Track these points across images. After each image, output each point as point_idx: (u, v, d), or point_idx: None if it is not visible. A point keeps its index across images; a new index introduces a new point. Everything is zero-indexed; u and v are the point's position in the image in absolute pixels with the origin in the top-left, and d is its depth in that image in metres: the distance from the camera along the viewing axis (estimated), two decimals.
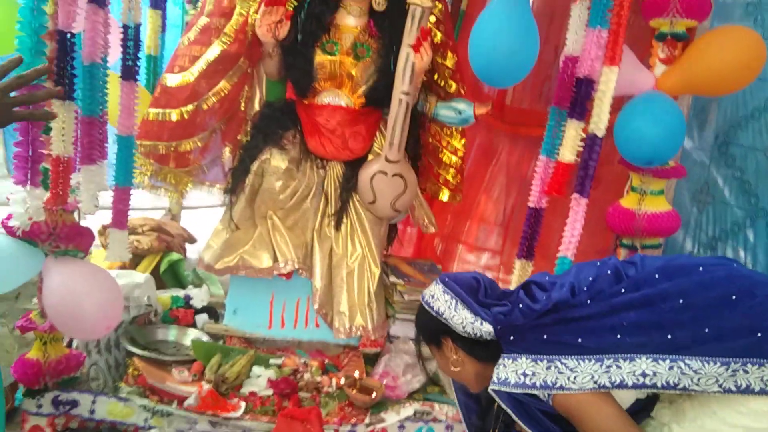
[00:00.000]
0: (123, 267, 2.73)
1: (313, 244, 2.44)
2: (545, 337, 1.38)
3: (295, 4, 2.33)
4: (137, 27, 1.96)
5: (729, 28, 2.09)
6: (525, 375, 1.37)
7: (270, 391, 2.09)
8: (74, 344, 2.12)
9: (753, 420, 1.26)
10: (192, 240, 3.44)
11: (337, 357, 2.40)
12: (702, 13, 1.99)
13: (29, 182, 1.78)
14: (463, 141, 2.57)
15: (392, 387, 2.19)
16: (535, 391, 1.37)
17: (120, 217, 2.00)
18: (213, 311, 2.56)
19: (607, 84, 1.93)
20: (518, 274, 2.13)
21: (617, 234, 2.18)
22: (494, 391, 1.43)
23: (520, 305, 1.45)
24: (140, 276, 2.45)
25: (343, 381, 2.17)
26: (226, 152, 2.52)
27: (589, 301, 1.38)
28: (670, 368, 1.27)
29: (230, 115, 2.46)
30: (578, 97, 1.99)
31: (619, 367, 1.29)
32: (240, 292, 2.46)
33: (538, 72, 2.33)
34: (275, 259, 2.38)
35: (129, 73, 1.95)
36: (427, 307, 1.60)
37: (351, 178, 2.44)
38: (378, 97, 2.43)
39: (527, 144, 2.91)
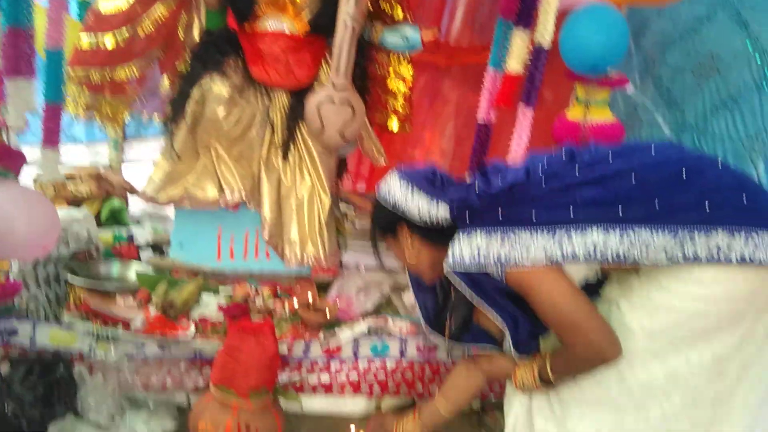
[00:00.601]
0: None
1: (260, 175, 2.38)
2: (500, 213, 1.39)
3: None
4: None
5: None
6: (479, 250, 1.37)
7: (221, 316, 2.04)
8: (11, 277, 2.02)
9: (699, 287, 1.30)
10: (134, 191, 3.32)
11: (289, 286, 2.36)
12: None
13: None
14: (410, 69, 2.55)
15: (346, 309, 2.18)
16: (489, 268, 1.37)
17: (51, 136, 1.90)
18: (158, 247, 2.48)
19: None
20: None
21: None
22: (450, 273, 1.43)
23: (477, 187, 1.45)
24: (78, 211, 2.35)
25: (296, 304, 2.14)
26: (165, 82, 2.42)
27: (543, 182, 1.39)
28: (620, 237, 1.28)
29: (168, 43, 2.36)
30: (524, 7, 2.00)
31: (570, 237, 1.30)
32: (185, 225, 2.39)
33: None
34: (221, 190, 2.31)
35: None
36: (383, 197, 1.58)
37: (297, 106, 2.39)
38: (323, 24, 2.38)
39: (468, 76, 2.91)
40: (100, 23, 2.21)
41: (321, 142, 2.41)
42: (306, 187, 2.40)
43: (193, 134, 2.34)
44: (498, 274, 1.39)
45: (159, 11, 2.26)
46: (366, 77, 2.55)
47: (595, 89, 2.07)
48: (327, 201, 2.40)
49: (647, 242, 1.27)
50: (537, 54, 1.99)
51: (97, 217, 2.86)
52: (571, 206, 1.33)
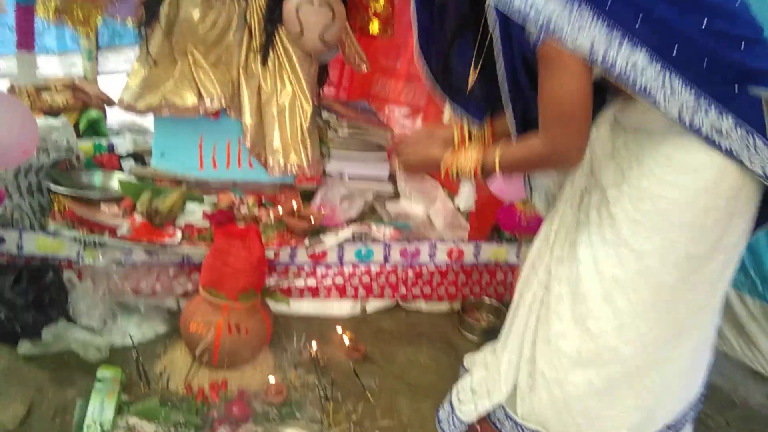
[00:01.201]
0: None
1: (239, 81, 2.34)
2: None
3: None
4: None
5: None
6: (535, 2, 1.19)
7: (206, 223, 2.06)
8: None
9: (686, 176, 1.26)
10: (111, 102, 3.24)
11: (273, 195, 2.38)
12: None
13: None
14: None
15: (330, 216, 2.21)
16: (530, 26, 1.20)
17: (25, 38, 1.84)
18: (139, 157, 2.46)
19: None
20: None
21: None
22: (490, 8, 1.23)
23: None
24: (57, 120, 2.30)
25: (281, 212, 2.17)
26: None
27: None
28: (658, 74, 1.20)
29: None
30: None
31: (620, 45, 1.19)
32: (166, 134, 2.36)
33: None
34: (200, 97, 2.27)
35: None
36: None
37: (275, 8, 2.31)
38: None
39: None
40: None
41: (301, 46, 2.35)
42: (287, 95, 2.37)
43: (168, 39, 2.26)
44: (533, 37, 1.23)
45: None
46: None
47: None
48: (309, 108, 2.37)
49: (675, 91, 1.21)
50: None
51: (76, 128, 2.82)
52: (641, 15, 1.19)
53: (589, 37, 1.18)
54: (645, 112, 1.29)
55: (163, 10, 2.21)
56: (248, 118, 2.32)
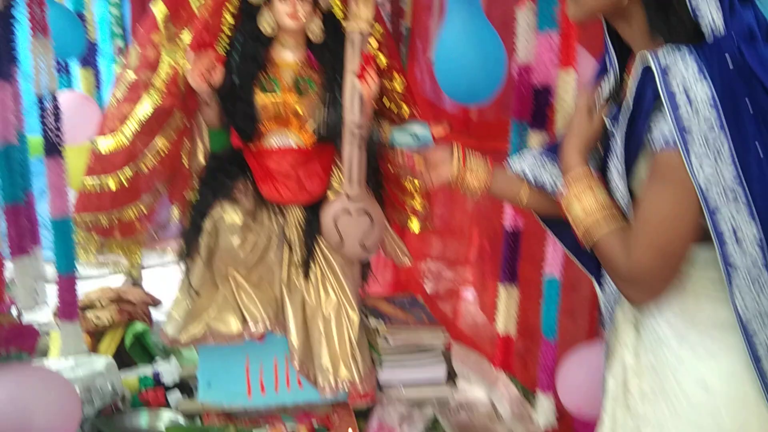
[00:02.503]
0: None
1: (283, 298, 2.27)
2: (750, 113, 0.99)
3: (226, 47, 2.17)
4: (54, 95, 1.77)
5: None
6: (687, 100, 0.98)
7: None
8: None
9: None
10: (156, 302, 3.23)
11: (326, 417, 2.23)
12: None
13: None
14: None
15: None
16: (668, 112, 0.99)
17: (69, 308, 1.80)
18: (186, 386, 2.36)
19: (566, 89, 1.82)
20: (504, 301, 1.99)
21: None
22: (644, 60, 1.04)
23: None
24: (101, 361, 2.23)
25: None
26: (175, 211, 2.33)
27: None
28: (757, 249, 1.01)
29: (173, 173, 2.27)
30: (538, 108, 1.87)
31: (737, 211, 0.99)
32: (211, 362, 2.27)
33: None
34: (245, 322, 2.20)
35: (53, 149, 1.77)
36: None
37: (313, 221, 2.28)
38: (329, 132, 2.29)
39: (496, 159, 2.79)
40: (103, 165, 2.13)
41: (342, 255, 2.29)
42: (332, 305, 2.28)
43: (209, 267, 2.23)
44: (657, 138, 1.04)
45: (160, 144, 2.18)
46: (379, 175, 2.44)
47: None
48: (355, 318, 2.27)
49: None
50: None
51: (121, 344, 2.78)
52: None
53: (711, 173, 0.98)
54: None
55: (203, 240, 2.19)
56: (294, 338, 2.22)
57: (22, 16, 1.65)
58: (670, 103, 0.99)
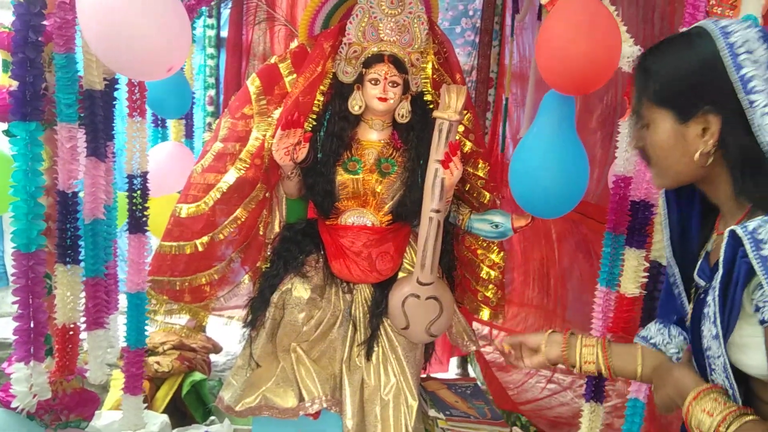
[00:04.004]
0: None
1: (342, 376, 2.22)
2: None
3: (314, 123, 2.17)
4: (144, 175, 1.80)
5: None
6: None
7: None
8: None
9: None
10: (218, 349, 3.27)
11: None
12: None
13: (33, 357, 1.60)
14: (502, 254, 2.35)
15: None
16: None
17: (134, 382, 1.81)
18: None
19: None
20: (588, 419, 1.88)
21: None
22: (733, 234, 0.97)
23: None
24: (156, 421, 2.26)
25: None
26: (246, 279, 2.34)
27: None
28: None
29: (249, 242, 2.28)
30: (635, 223, 1.77)
31: None
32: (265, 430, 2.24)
33: None
34: (301, 398, 2.16)
35: (137, 226, 1.79)
36: (731, 58, 1.01)
37: (381, 301, 2.23)
38: (406, 213, 2.25)
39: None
40: (181, 230, 2.16)
41: (407, 338, 2.23)
42: (391, 388, 2.21)
43: (272, 339, 2.22)
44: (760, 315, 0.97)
45: (239, 214, 2.19)
46: (453, 258, 2.38)
47: None
48: (414, 404, 2.19)
49: None
50: (655, 271, 1.75)
51: (179, 390, 2.80)
52: None
53: None
54: None
55: (269, 313, 2.18)
56: (349, 420, 2.16)
57: (120, 96, 1.69)
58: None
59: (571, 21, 1.56)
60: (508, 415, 2.81)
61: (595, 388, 1.88)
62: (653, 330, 1.33)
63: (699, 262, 1.15)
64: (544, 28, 1.64)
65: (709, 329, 1.04)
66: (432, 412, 2.28)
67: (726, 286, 0.99)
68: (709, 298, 1.03)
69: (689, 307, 1.17)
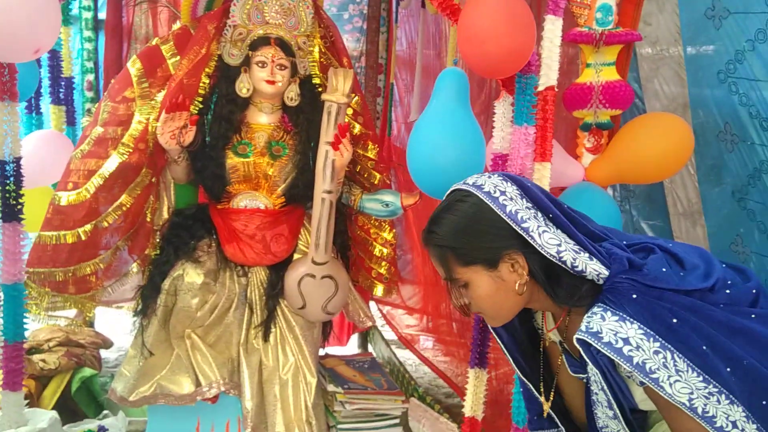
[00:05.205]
0: (28, 395, 2.41)
1: (239, 359, 2.23)
2: (674, 321, 1.10)
3: (200, 106, 2.14)
4: (18, 161, 1.71)
5: (656, 115, 2.05)
6: (626, 343, 1.09)
7: None
8: None
9: None
10: (108, 344, 3.14)
11: None
12: (625, 102, 1.95)
13: None
14: (393, 232, 2.44)
15: None
16: (625, 366, 1.11)
17: (13, 378, 1.72)
18: None
19: (541, 180, 1.85)
20: (473, 384, 1.99)
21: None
22: (581, 341, 1.14)
23: (663, 268, 1.16)
24: (44, 417, 2.15)
25: None
26: (134, 267, 2.27)
27: (722, 306, 1.17)
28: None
29: (135, 229, 2.22)
30: None
31: (719, 402, 1.08)
32: (161, 422, 2.22)
33: None
34: (198, 383, 2.15)
35: (11, 214, 1.70)
36: (493, 203, 1.18)
37: (276, 283, 2.26)
38: (299, 195, 2.28)
39: None
40: (62, 218, 2.06)
41: (303, 317, 2.27)
42: (289, 368, 2.25)
43: (165, 326, 2.19)
44: (628, 374, 1.14)
45: (123, 199, 2.13)
46: (346, 238, 2.44)
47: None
48: (313, 381, 2.24)
49: None
50: None
51: (68, 387, 2.68)
52: (734, 364, 1.10)
53: (687, 388, 1.08)
54: None
55: (161, 300, 2.15)
56: (248, 402, 2.18)
57: None
58: (619, 357, 1.09)
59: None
60: (406, 387, 2.93)
61: (479, 354, 2.00)
62: None
63: (563, 356, 1.33)
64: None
65: (604, 412, 1.21)
66: (330, 387, 2.34)
67: (605, 378, 1.16)
68: (596, 388, 1.20)
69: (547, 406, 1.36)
